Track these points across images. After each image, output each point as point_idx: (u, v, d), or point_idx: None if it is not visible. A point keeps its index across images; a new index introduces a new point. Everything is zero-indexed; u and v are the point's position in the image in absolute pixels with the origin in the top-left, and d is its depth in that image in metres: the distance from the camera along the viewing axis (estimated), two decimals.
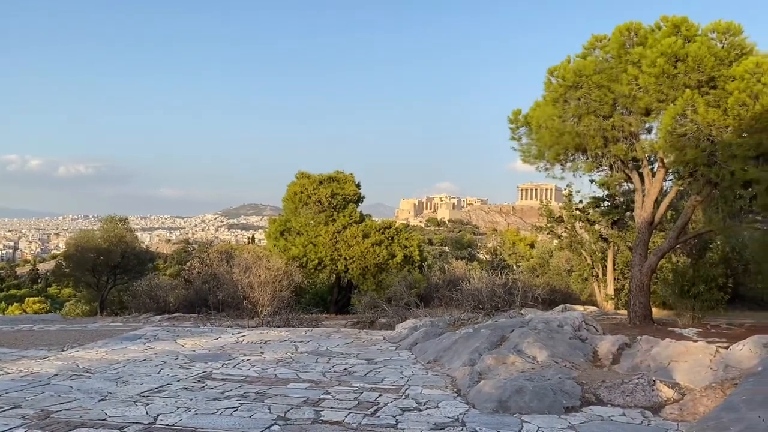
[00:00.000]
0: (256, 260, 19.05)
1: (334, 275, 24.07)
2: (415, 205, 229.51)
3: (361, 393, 7.54)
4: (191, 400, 7.09)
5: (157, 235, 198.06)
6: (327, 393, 7.53)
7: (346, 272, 22.96)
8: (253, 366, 9.61)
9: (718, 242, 20.14)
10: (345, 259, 22.51)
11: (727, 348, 8.18)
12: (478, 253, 55.79)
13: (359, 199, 24.59)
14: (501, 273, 19.42)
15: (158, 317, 18.59)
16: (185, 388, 7.78)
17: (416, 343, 11.62)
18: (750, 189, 11.15)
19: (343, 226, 23.10)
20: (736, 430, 4.93)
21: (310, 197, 23.39)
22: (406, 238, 24.40)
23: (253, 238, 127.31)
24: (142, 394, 7.37)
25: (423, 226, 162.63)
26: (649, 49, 11.77)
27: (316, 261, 22.46)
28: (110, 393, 7.43)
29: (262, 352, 11.07)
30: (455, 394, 7.64)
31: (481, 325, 11.42)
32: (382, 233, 23.48)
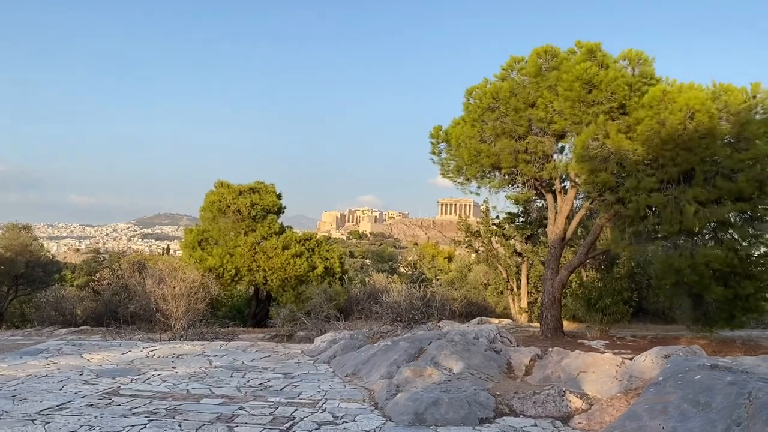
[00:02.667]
0: (171, 271, 18.40)
1: (253, 287, 23.63)
2: (337, 217, 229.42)
3: (277, 408, 7.39)
4: (96, 417, 6.72)
5: (66, 245, 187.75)
6: (241, 408, 7.33)
7: (264, 284, 22.58)
8: (164, 381, 9.23)
9: (624, 258, 21.21)
10: (264, 270, 22.14)
11: (631, 359, 8.58)
12: (399, 266, 56.23)
13: (280, 210, 24.29)
14: (420, 286, 19.69)
15: (64, 330, 17.60)
16: (90, 405, 7.37)
17: (335, 357, 11.54)
18: (654, 211, 11.80)
19: (262, 236, 22.74)
20: None
21: (229, 207, 22.90)
22: (327, 250, 24.30)
23: (168, 249, 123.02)
24: (41, 413, 6.91)
25: (345, 238, 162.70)
26: (565, 74, 12.30)
27: (234, 272, 21.97)
28: (5, 411, 6.93)
29: (174, 367, 10.66)
30: (372, 408, 7.62)
31: (399, 337, 11.48)
32: (303, 245, 23.29)
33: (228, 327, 19.19)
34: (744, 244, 12.18)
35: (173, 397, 8.05)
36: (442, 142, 15.87)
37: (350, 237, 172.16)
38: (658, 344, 10.70)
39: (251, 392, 8.49)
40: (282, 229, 23.99)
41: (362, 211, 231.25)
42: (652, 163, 11.24)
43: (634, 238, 12.67)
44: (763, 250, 12.43)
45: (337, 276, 23.85)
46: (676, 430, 4.94)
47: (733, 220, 11.99)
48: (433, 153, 16.01)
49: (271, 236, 22.87)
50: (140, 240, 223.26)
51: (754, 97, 10.88)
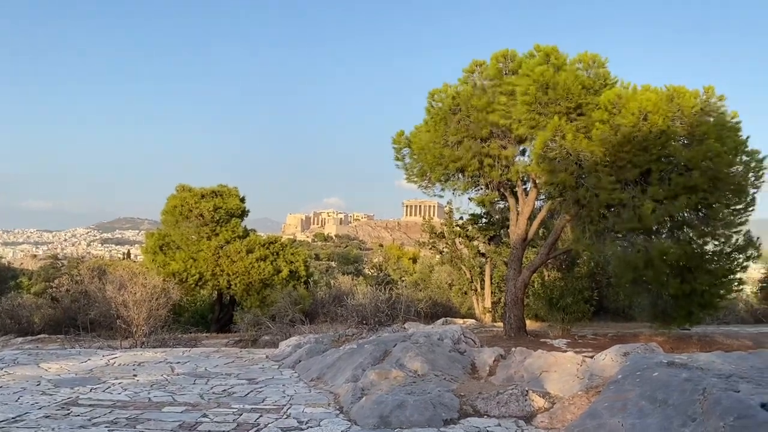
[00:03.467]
0: (132, 277, 18.02)
1: (216, 292, 23.32)
2: (302, 220, 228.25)
3: (241, 414, 7.31)
4: (53, 429, 6.54)
5: (22, 251, 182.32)
6: (204, 416, 7.23)
7: (228, 288, 22.31)
8: (125, 390, 9.04)
9: (585, 258, 21.62)
10: (228, 275, 21.88)
11: (592, 357, 8.75)
12: (364, 268, 56.21)
13: (243, 214, 24.04)
14: (385, 288, 19.72)
15: (20, 339, 17.10)
16: (47, 417, 7.17)
17: (300, 361, 11.48)
18: (613, 209, 12.05)
19: (226, 240, 22.47)
20: None
21: (191, 211, 22.56)
22: (292, 253, 24.14)
23: (128, 254, 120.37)
24: None
25: (310, 241, 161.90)
26: (523, 77, 12.49)
27: (197, 277, 21.65)
28: None
29: (135, 375, 10.45)
30: (338, 412, 7.60)
31: (365, 340, 11.48)
32: (267, 248, 23.10)
33: (191, 333, 18.88)
34: (699, 241, 12.55)
35: (134, 405, 7.89)
36: (405, 147, 15.94)
37: (315, 239, 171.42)
38: (619, 342, 10.92)
39: (215, 399, 8.38)
40: (246, 233, 23.75)
41: (327, 213, 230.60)
42: (610, 163, 11.47)
43: (595, 237, 12.92)
44: (717, 246, 12.82)
45: (302, 279, 23.72)
46: (634, 426, 5.05)
47: (688, 218, 12.34)
48: (397, 158, 16.07)
49: (235, 240, 22.62)
50: (100, 245, 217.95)
51: (707, 100, 11.22)
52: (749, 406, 4.52)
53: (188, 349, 14.30)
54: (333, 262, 77.33)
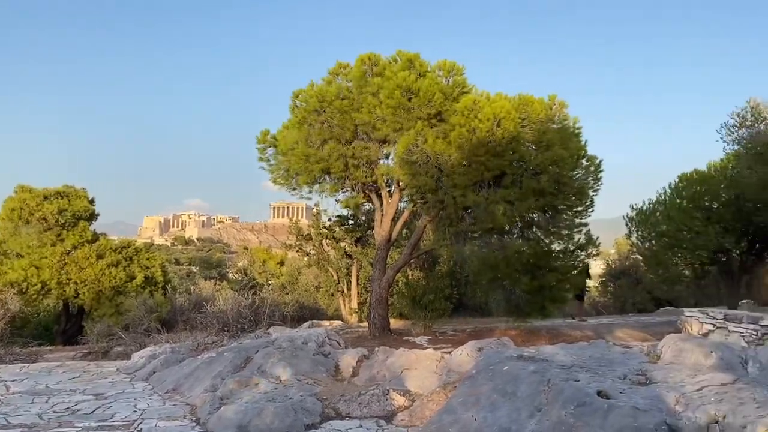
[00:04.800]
0: None
1: (62, 301, 21.46)
2: (160, 222, 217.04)
3: None
4: None
5: None
6: None
7: (76, 297, 20.61)
8: None
9: (445, 257, 22.47)
10: (76, 283, 20.21)
11: (450, 353, 9.05)
12: (229, 272, 54.57)
13: (93, 216, 22.31)
14: (250, 292, 19.19)
15: None
16: None
17: (154, 372, 10.82)
18: (470, 211, 12.60)
19: (73, 246, 20.75)
20: (454, 431, 5.44)
21: (32, 214, 20.58)
22: (148, 258, 22.80)
23: None
24: None
25: (170, 244, 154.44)
26: (387, 81, 12.70)
27: (40, 286, 19.79)
28: None
29: None
30: (194, 424, 7.23)
31: (225, 348, 11.06)
32: (120, 253, 21.63)
33: (31, 347, 17.21)
34: (546, 240, 13.47)
35: None
36: (270, 147, 15.59)
37: (175, 243, 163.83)
38: (476, 337, 11.41)
39: (56, 418, 7.66)
40: (96, 237, 22.06)
41: (188, 215, 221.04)
42: (467, 166, 11.97)
43: (453, 237, 13.44)
44: (562, 245, 13.83)
45: (160, 285, 22.47)
46: (486, 420, 5.26)
47: (537, 219, 13.20)
48: (261, 159, 15.65)
49: (83, 245, 20.95)
50: None
51: (551, 107, 12.07)
52: (587, 394, 4.86)
53: (27, 364, 13.00)
54: (195, 267, 74.29)
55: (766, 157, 14.16)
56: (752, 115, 14.66)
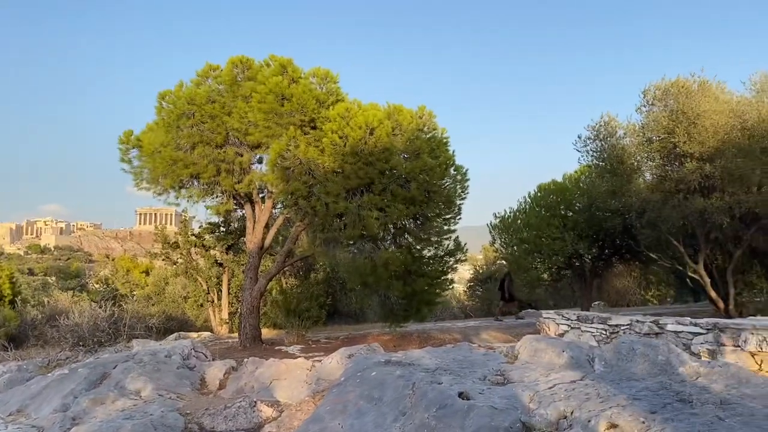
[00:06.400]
0: None
1: None
2: (11, 229, 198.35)
3: None
4: None
5: None
6: None
7: None
8: None
9: (321, 264, 22.41)
10: None
11: (321, 362, 8.99)
12: (90, 282, 50.95)
13: None
14: (113, 303, 18.01)
15: None
16: None
17: None
18: (343, 218, 12.64)
19: None
20: None
21: None
22: None
23: None
24: None
25: (22, 253, 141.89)
26: (259, 85, 12.46)
27: None
28: None
29: None
30: None
31: (79, 364, 10.27)
32: None
33: None
34: (418, 247, 13.83)
35: None
36: (134, 148, 14.74)
37: (29, 252, 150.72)
38: (350, 344, 11.44)
39: None
40: None
41: (45, 221, 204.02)
42: (340, 173, 12.02)
43: (326, 244, 13.41)
44: (432, 251, 14.26)
45: (8, 298, 20.56)
46: (353, 427, 5.26)
47: (409, 226, 13.52)
48: (124, 161, 14.73)
49: None
50: None
51: (421, 117, 12.42)
52: (449, 396, 5.01)
53: None
54: (51, 277, 68.65)
55: (616, 168, 15.44)
56: (605, 129, 15.92)
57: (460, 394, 5.11)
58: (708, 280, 15.00)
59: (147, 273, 32.24)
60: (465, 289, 32.11)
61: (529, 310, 21.35)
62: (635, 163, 15.34)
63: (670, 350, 5.84)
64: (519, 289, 19.92)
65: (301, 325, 15.27)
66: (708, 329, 8.00)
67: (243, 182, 13.73)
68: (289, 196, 12.92)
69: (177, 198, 15.00)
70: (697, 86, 13.93)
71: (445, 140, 12.77)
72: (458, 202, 13.36)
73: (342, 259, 14.97)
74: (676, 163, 14.30)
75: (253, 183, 13.90)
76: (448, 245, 14.04)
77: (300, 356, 11.20)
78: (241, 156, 13.63)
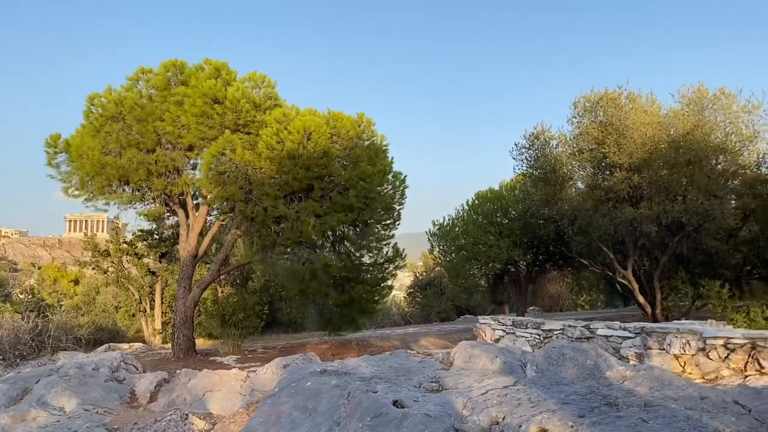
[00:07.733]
0: None
1: None
2: None
3: None
4: None
5: None
6: None
7: None
8: None
9: (259, 273, 22.01)
10: None
11: (256, 372, 8.80)
12: (13, 292, 48.48)
13: None
14: (38, 314, 17.14)
15: None
16: None
17: None
18: (281, 224, 12.46)
19: None
20: None
21: None
22: None
23: None
24: None
25: None
26: (192, 89, 12.18)
27: None
28: None
29: None
30: None
31: None
32: None
33: None
34: (357, 253, 13.76)
35: None
36: (62, 152, 14.12)
37: None
38: (287, 353, 11.27)
39: None
40: None
41: None
42: (277, 178, 11.85)
43: (263, 250, 13.18)
44: (371, 258, 14.23)
45: None
46: None
47: (347, 233, 13.45)
48: (50, 165, 14.08)
49: None
50: None
51: (360, 124, 12.41)
52: (383, 405, 4.96)
53: None
54: None
55: (549, 176, 15.82)
56: (539, 139, 16.29)
57: (395, 403, 5.08)
58: (636, 286, 15.54)
59: (76, 282, 30.99)
60: (405, 295, 32.22)
61: (467, 315, 21.63)
62: (567, 172, 15.77)
63: (598, 354, 5.99)
64: (458, 295, 20.13)
65: (237, 335, 14.94)
66: (636, 333, 8.27)
67: (176, 183, 13.36)
68: (225, 202, 12.65)
69: (106, 204, 14.46)
70: (626, 98, 14.45)
71: (384, 147, 12.80)
72: (397, 207, 13.39)
73: (280, 266, 14.77)
74: (607, 173, 14.78)
75: (186, 185, 13.55)
76: (388, 252, 14.03)
77: (235, 367, 10.96)
78: (174, 160, 13.26)
